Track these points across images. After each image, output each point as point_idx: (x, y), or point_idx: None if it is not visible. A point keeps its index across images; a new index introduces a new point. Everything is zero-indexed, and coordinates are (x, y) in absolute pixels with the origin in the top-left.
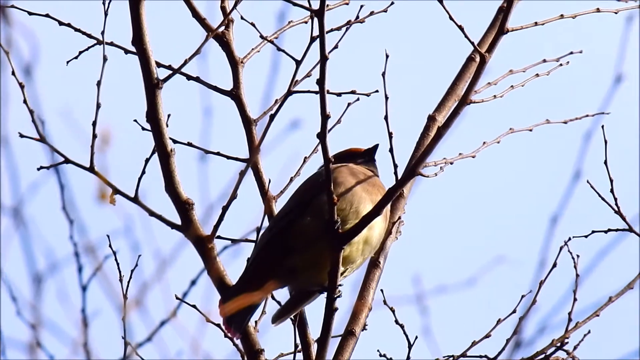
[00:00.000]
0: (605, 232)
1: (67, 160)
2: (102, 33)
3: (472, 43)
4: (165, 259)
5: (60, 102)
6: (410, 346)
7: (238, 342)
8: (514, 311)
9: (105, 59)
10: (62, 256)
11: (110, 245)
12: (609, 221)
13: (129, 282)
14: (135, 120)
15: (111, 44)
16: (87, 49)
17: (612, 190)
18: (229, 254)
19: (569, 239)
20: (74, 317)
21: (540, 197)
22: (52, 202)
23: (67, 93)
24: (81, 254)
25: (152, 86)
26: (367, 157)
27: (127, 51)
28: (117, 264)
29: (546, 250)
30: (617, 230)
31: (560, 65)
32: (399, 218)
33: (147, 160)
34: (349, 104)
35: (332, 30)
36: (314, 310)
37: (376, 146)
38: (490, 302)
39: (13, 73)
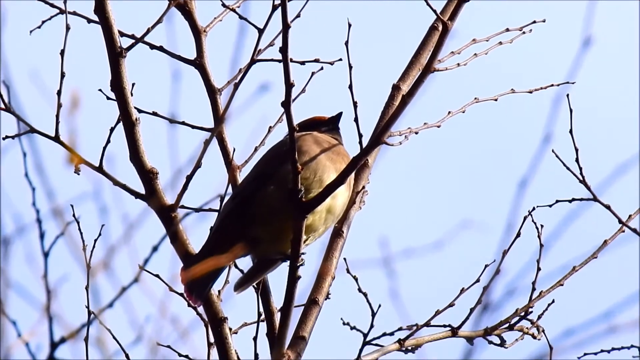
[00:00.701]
0: (570, 201)
1: (32, 130)
2: (65, 2)
3: (435, 11)
4: (132, 224)
5: (25, 70)
6: (373, 314)
7: (202, 310)
8: (478, 280)
9: (68, 28)
10: (30, 221)
11: (74, 214)
12: (575, 190)
13: (93, 247)
14: (100, 90)
15: (74, 13)
16: (50, 18)
17: (577, 160)
18: (192, 223)
19: (533, 208)
20: (40, 282)
21: (506, 164)
22: (21, 167)
23: (32, 62)
24: (48, 220)
25: (115, 55)
26: (331, 125)
27: (89, 20)
28: (80, 231)
29: (514, 214)
30: (581, 199)
31: (524, 33)
32: (363, 187)
33: (112, 130)
34: (313, 73)
35: None
36: (277, 279)
37: (340, 114)
38: (458, 267)
39: None
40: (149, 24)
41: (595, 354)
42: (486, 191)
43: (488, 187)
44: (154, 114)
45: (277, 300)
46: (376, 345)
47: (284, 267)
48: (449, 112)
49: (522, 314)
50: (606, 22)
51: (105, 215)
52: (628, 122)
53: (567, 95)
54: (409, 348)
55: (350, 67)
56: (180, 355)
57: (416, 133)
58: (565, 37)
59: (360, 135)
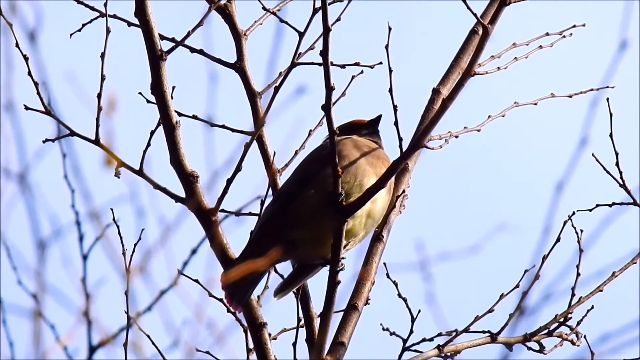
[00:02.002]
0: (610, 205)
1: (72, 133)
2: (105, 5)
3: (475, 15)
4: (169, 227)
5: (65, 73)
6: (413, 319)
7: (240, 315)
8: (517, 286)
9: (108, 31)
10: (67, 223)
11: (113, 218)
12: (613, 193)
13: (132, 252)
14: (140, 93)
15: (114, 16)
16: (90, 22)
17: (617, 164)
18: (232, 226)
19: (573, 213)
20: (78, 285)
21: (545, 167)
22: (58, 169)
23: (72, 65)
24: (85, 223)
25: (155, 58)
26: (370, 128)
27: (130, 23)
28: (120, 234)
29: (551, 217)
30: (621, 204)
31: (564, 37)
32: (403, 192)
33: (152, 133)
34: (353, 77)
35: (334, 1)
36: (317, 284)
37: (379, 117)
38: (495, 270)
39: (17, 45)
40: (189, 27)
41: None
42: (525, 195)
43: (527, 190)
44: (194, 117)
45: (317, 305)
46: (415, 351)
47: (323, 272)
48: (489, 116)
49: (562, 319)
50: None
51: (142, 218)
52: None
53: (607, 99)
54: (448, 354)
55: (391, 71)
56: None
57: (456, 137)
58: (605, 39)
59: (400, 139)
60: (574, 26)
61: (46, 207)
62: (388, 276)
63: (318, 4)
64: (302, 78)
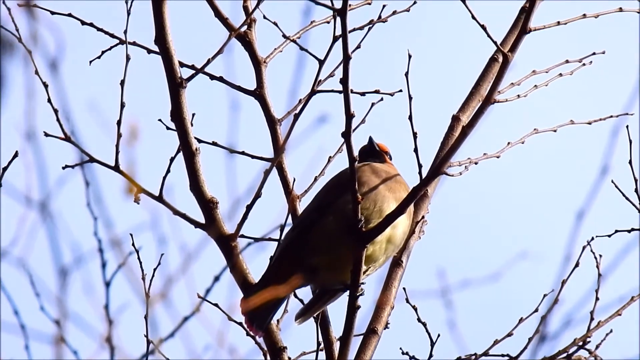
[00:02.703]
0: (629, 231)
1: (92, 160)
2: (125, 32)
3: (495, 43)
4: (190, 254)
5: (85, 99)
6: (432, 344)
7: (260, 340)
8: (536, 310)
9: (128, 58)
10: (88, 250)
11: (133, 243)
12: (632, 219)
13: (152, 278)
14: (159, 120)
15: (134, 43)
16: (109, 49)
17: (636, 190)
18: (252, 253)
19: (592, 238)
20: (100, 311)
21: (564, 195)
22: (79, 197)
23: (92, 92)
24: (106, 250)
25: (175, 85)
26: (370, 151)
27: (149, 51)
28: (140, 260)
29: (572, 245)
30: None
31: (583, 65)
32: (423, 217)
33: (172, 159)
34: (372, 104)
35: (354, 29)
36: (337, 309)
37: (369, 138)
38: (515, 298)
39: (37, 72)
40: (209, 55)
41: None
42: (544, 222)
43: (546, 218)
44: (214, 144)
45: (336, 329)
46: None
47: (343, 298)
48: (509, 143)
49: (581, 343)
50: None
51: (164, 245)
52: None
53: (627, 127)
54: None
55: (410, 98)
56: None
57: (476, 163)
58: (624, 67)
59: (420, 166)
60: (594, 54)
61: (68, 234)
62: (408, 301)
63: (338, 32)
64: (322, 105)
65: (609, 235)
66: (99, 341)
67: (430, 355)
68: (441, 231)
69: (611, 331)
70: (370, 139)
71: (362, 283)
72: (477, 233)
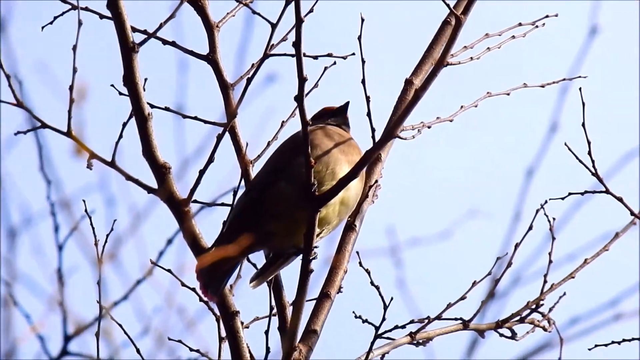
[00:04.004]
0: (582, 194)
1: (44, 125)
2: None
3: (448, 5)
4: (140, 215)
5: (36, 64)
6: (385, 307)
7: (213, 305)
8: (489, 273)
9: (80, 23)
10: (37, 212)
11: (85, 210)
12: (584, 180)
13: (105, 243)
14: (112, 85)
15: (86, 9)
16: (62, 14)
17: (589, 153)
18: (204, 217)
19: (546, 201)
20: (49, 272)
21: (517, 155)
22: (28, 160)
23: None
24: (57, 212)
25: (128, 50)
26: (339, 115)
27: (102, 16)
28: (92, 225)
29: (522, 203)
30: (594, 192)
31: (536, 27)
32: (376, 181)
33: (124, 125)
34: (325, 68)
35: None
36: (290, 273)
37: (347, 103)
38: (466, 256)
39: None
40: (161, 19)
41: (606, 345)
42: (497, 182)
43: (499, 178)
44: (166, 109)
45: (289, 294)
46: (388, 338)
47: (296, 262)
48: (462, 107)
49: (533, 306)
50: (613, 12)
51: (113, 208)
52: (632, 114)
53: (580, 89)
54: (420, 341)
55: (363, 62)
56: (191, 349)
57: (429, 127)
58: (577, 29)
59: (373, 130)
60: (547, 16)
61: (17, 196)
62: (361, 264)
63: None
64: (275, 69)
65: (562, 198)
66: (50, 303)
67: (383, 319)
68: (394, 194)
69: (564, 294)
70: (347, 103)
71: (315, 247)
72: (430, 195)
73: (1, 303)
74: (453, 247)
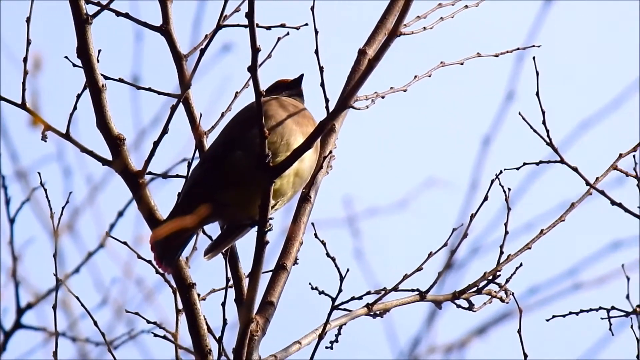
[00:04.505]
0: (537, 164)
1: None
2: None
3: None
4: (96, 186)
5: None
6: (342, 278)
7: (170, 277)
8: (446, 244)
9: None
10: None
11: (41, 182)
12: (539, 150)
13: (61, 215)
14: (66, 57)
15: None
16: None
17: (544, 122)
18: (158, 188)
19: (501, 171)
20: (5, 247)
21: (473, 125)
22: None
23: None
24: (12, 185)
25: (81, 22)
26: (294, 87)
27: None
28: (47, 197)
29: (478, 171)
30: (548, 162)
31: None
32: (330, 152)
33: (78, 96)
34: (279, 38)
35: None
36: (245, 245)
37: (301, 76)
38: (423, 225)
39: None
40: None
41: (564, 316)
42: (452, 152)
43: (454, 148)
44: (120, 80)
45: (246, 266)
46: (345, 310)
47: (252, 233)
48: (416, 76)
49: (490, 277)
50: None
51: (69, 179)
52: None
53: (534, 58)
54: (378, 312)
55: (316, 32)
56: (148, 322)
57: (383, 97)
58: None
59: (327, 100)
60: None
61: None
62: (316, 236)
63: None
64: (228, 40)
65: (517, 168)
66: (5, 276)
67: (340, 290)
68: (349, 164)
69: (521, 264)
70: (302, 76)
71: (271, 218)
72: (385, 165)
73: None
74: (410, 218)
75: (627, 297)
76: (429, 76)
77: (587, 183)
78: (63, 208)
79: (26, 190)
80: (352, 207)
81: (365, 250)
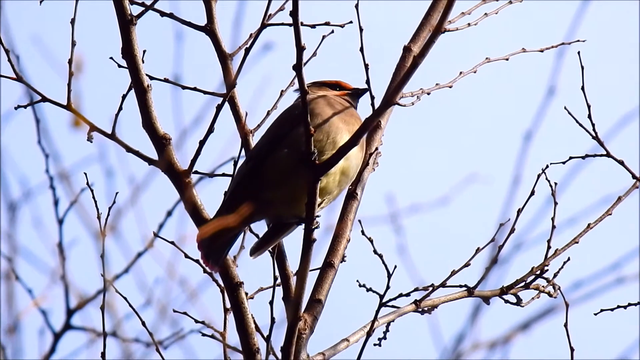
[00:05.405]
0: (583, 157)
1: (44, 99)
2: None
3: None
4: (140, 186)
5: (34, 38)
6: (389, 275)
7: (217, 276)
8: (493, 240)
9: None
10: (37, 185)
11: (87, 182)
12: (583, 144)
13: (107, 216)
14: (111, 58)
15: None
16: None
17: (589, 116)
18: (205, 187)
19: (547, 166)
20: (51, 245)
21: (517, 120)
22: (27, 133)
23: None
24: (57, 186)
25: (126, 22)
26: (351, 95)
27: None
28: (94, 198)
29: (520, 166)
30: (594, 155)
31: None
32: (376, 149)
33: (124, 97)
34: (323, 36)
35: None
36: (293, 243)
37: (365, 90)
38: (467, 221)
39: None
40: None
41: (612, 310)
42: (496, 147)
43: (497, 143)
44: (165, 80)
45: (293, 264)
46: (392, 306)
47: (299, 231)
48: (461, 73)
49: (538, 272)
50: None
51: (112, 179)
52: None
53: (578, 53)
54: (425, 309)
55: (361, 30)
56: (196, 321)
57: (428, 94)
58: None
59: (373, 97)
60: None
61: (16, 170)
62: (363, 233)
63: None
64: (273, 39)
65: (564, 162)
66: (52, 277)
67: (387, 287)
68: (395, 161)
69: (569, 259)
70: (365, 90)
71: (317, 216)
72: (431, 162)
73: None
74: (453, 213)
75: None
76: (475, 72)
77: (634, 176)
78: (110, 209)
79: (69, 191)
80: (395, 204)
81: (409, 247)
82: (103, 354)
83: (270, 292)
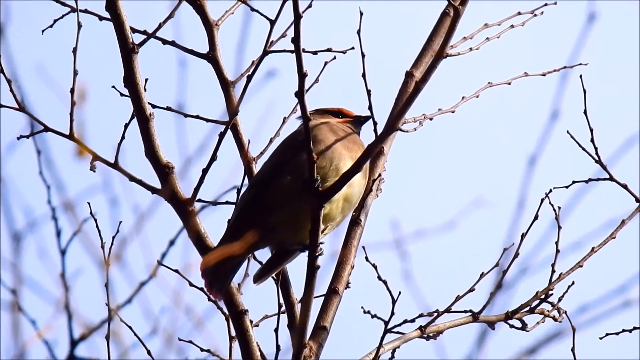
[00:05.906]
0: (586, 182)
1: (47, 129)
2: (76, 0)
3: None
4: (144, 215)
5: (36, 67)
6: (394, 301)
7: (222, 304)
8: (497, 264)
9: (79, 25)
10: (41, 215)
11: (90, 212)
12: (586, 167)
13: (111, 245)
14: (113, 86)
15: (85, 11)
16: (61, 17)
17: (592, 140)
18: (208, 216)
19: (550, 190)
20: (55, 276)
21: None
22: (31, 163)
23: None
24: (60, 216)
25: (128, 51)
26: (353, 123)
27: (101, 17)
28: (97, 227)
29: (525, 191)
30: (597, 179)
31: (535, 16)
32: (380, 175)
33: (126, 125)
34: (325, 63)
35: None
36: (297, 270)
37: (368, 117)
38: (472, 246)
39: None
40: (160, 19)
41: (617, 334)
42: (500, 172)
43: (502, 168)
44: (168, 108)
45: (297, 291)
46: (397, 332)
47: (302, 258)
48: (463, 97)
49: (543, 296)
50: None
51: (116, 208)
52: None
53: (580, 76)
54: (431, 335)
55: (363, 56)
56: (202, 349)
57: (430, 119)
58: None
59: (375, 123)
60: (545, 4)
61: (20, 200)
62: (367, 259)
63: None
64: (275, 66)
65: (567, 187)
66: (56, 307)
67: (392, 313)
68: (399, 188)
69: (573, 283)
70: (368, 118)
71: (321, 242)
72: (433, 187)
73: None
74: (458, 238)
75: None
76: (477, 97)
77: (637, 199)
78: (114, 238)
79: (73, 221)
80: (399, 229)
81: (414, 273)
82: None
83: (275, 320)
